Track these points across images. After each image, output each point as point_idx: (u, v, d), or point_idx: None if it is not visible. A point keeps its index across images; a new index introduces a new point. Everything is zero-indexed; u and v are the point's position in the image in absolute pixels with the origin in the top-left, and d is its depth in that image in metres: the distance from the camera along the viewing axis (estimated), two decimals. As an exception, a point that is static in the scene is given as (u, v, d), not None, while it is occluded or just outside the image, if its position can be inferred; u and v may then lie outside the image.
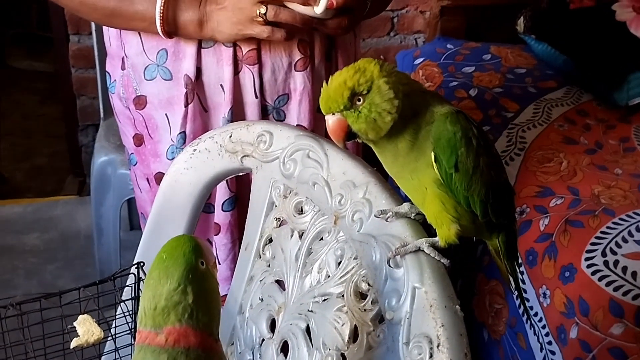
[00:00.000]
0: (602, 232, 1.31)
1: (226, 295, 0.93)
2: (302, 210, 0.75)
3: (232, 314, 0.83)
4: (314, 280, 0.70)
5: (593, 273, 1.23)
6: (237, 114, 0.94)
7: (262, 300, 0.77)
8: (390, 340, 0.57)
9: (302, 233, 0.74)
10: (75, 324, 0.72)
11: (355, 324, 0.63)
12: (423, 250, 0.58)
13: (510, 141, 1.69)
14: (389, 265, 0.59)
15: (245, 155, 0.82)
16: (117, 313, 0.84)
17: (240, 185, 0.97)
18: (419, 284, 0.56)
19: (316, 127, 0.95)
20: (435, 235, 0.59)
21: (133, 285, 0.83)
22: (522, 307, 1.28)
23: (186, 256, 0.49)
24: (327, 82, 0.54)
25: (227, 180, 0.93)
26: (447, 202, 0.55)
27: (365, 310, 0.62)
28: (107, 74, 1.04)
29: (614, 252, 1.25)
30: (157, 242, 0.90)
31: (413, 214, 0.61)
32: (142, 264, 0.83)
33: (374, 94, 0.52)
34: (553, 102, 1.89)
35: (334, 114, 0.54)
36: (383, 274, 0.60)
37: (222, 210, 0.97)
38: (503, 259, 0.60)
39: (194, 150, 0.87)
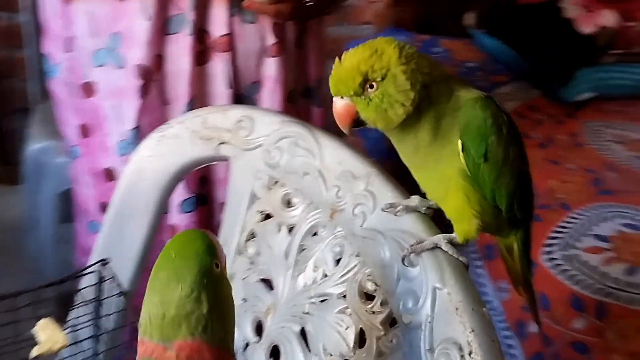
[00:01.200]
0: (560, 227, 1.32)
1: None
2: (290, 203, 0.69)
3: (206, 316, 0.76)
4: (308, 279, 0.64)
5: (553, 267, 1.24)
6: (199, 106, 0.87)
7: (245, 300, 0.70)
8: (408, 345, 0.53)
9: (292, 228, 0.68)
10: (35, 330, 0.63)
11: (361, 328, 0.58)
12: (440, 248, 0.53)
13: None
14: (403, 264, 0.54)
15: (222, 143, 0.75)
16: (71, 317, 0.75)
17: (203, 185, 0.90)
18: (440, 284, 0.51)
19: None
20: (447, 231, 0.54)
21: (96, 285, 0.74)
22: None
23: (200, 256, 0.42)
24: (339, 61, 0.48)
25: (185, 180, 0.86)
26: (472, 195, 0.50)
27: (373, 312, 0.57)
28: (43, 56, 0.94)
29: (573, 247, 1.26)
30: (118, 237, 0.82)
31: (423, 208, 0.57)
32: (107, 261, 0.74)
33: (388, 83, 0.47)
34: (504, 96, 1.90)
35: (342, 97, 0.48)
36: (394, 273, 0.55)
37: (182, 211, 0.89)
38: (518, 258, 0.57)
39: (162, 136, 0.79)
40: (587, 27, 1.87)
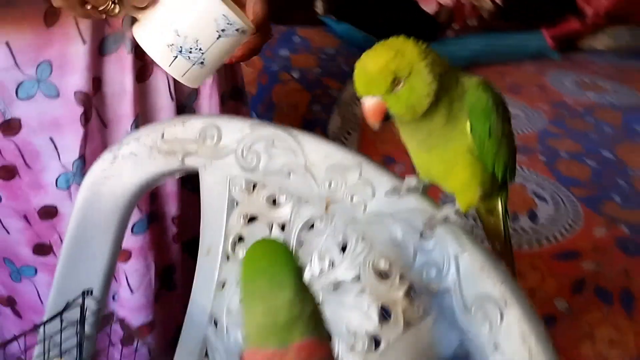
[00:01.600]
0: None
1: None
2: (275, 202, 0.71)
3: (199, 325, 0.76)
4: (315, 270, 0.67)
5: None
6: (145, 123, 0.85)
7: (244, 304, 0.72)
8: (438, 310, 0.59)
9: (284, 225, 0.70)
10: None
11: (381, 305, 0.63)
12: (449, 219, 0.60)
13: (343, 118, 1.78)
14: (422, 239, 0.60)
15: (188, 154, 0.75)
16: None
17: (153, 202, 0.88)
18: (460, 250, 0.58)
19: None
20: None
21: (78, 318, 0.71)
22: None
23: (290, 260, 0.44)
24: (363, 64, 0.52)
25: None
26: (477, 167, 0.57)
27: (393, 287, 0.62)
28: None
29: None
30: (77, 266, 0.79)
31: (420, 187, 0.63)
32: (90, 291, 0.71)
33: (414, 78, 0.52)
34: (366, 77, 2.03)
35: (372, 96, 0.53)
36: (410, 249, 0.61)
37: (132, 233, 0.87)
38: (501, 215, 0.65)
39: (114, 157, 0.77)
40: (429, 6, 2.05)
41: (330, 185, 0.67)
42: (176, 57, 0.68)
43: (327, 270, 0.67)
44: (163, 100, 0.85)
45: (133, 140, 0.77)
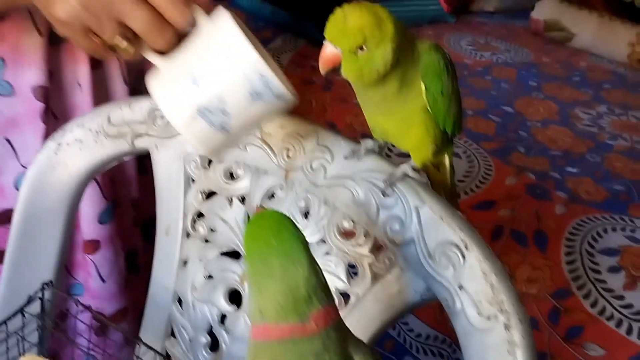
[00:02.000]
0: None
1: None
2: (232, 175, 0.73)
3: (163, 305, 0.77)
4: (280, 237, 0.70)
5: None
6: None
7: (211, 277, 0.73)
8: (402, 260, 0.63)
9: (244, 198, 0.72)
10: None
11: (348, 262, 0.67)
12: (408, 175, 0.64)
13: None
14: (383, 196, 0.64)
15: (137, 136, 0.75)
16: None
17: (116, 190, 0.87)
18: (420, 203, 0.62)
19: None
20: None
21: (39, 313, 0.70)
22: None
23: (296, 233, 0.46)
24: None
25: (101, 189, 0.83)
26: (430, 125, 0.62)
27: (359, 244, 0.66)
28: None
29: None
30: (26, 259, 0.77)
31: (376, 148, 0.67)
32: (50, 283, 0.70)
33: (378, 51, 0.54)
34: (277, 50, 2.04)
35: (335, 46, 0.55)
36: (372, 206, 0.65)
37: (99, 223, 0.85)
38: (448, 169, 0.71)
39: (58, 144, 0.76)
40: (332, -23, 2.08)
41: (287, 154, 0.69)
42: (195, 117, 0.53)
43: (292, 235, 0.69)
44: (117, 86, 0.83)
45: (77, 126, 0.75)
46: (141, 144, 0.75)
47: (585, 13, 2.51)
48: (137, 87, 0.86)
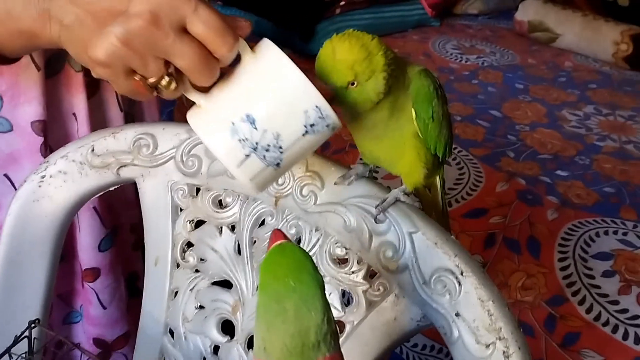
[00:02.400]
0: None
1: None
2: (222, 203, 0.72)
3: (154, 337, 0.75)
4: (272, 266, 0.69)
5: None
6: None
7: (202, 307, 0.72)
8: (397, 287, 0.62)
9: (234, 226, 0.71)
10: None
11: (342, 289, 0.66)
12: (400, 200, 0.63)
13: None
14: (376, 222, 0.63)
15: (122, 166, 0.73)
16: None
17: (116, 217, 0.85)
18: (414, 228, 0.61)
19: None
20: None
21: (26, 353, 0.68)
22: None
23: (315, 276, 0.43)
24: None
25: (100, 218, 0.81)
26: (421, 150, 0.61)
27: (352, 272, 0.65)
28: None
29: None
30: (12, 296, 0.75)
31: (367, 173, 0.66)
32: (37, 321, 0.68)
33: (369, 85, 0.53)
34: (263, 61, 2.02)
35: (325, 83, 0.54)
36: (364, 233, 0.64)
37: (100, 251, 0.84)
38: (439, 190, 0.70)
39: (42, 177, 0.74)
40: (315, -15, 2.08)
41: (277, 181, 0.68)
42: (249, 155, 0.50)
43: (284, 264, 0.68)
44: (113, 112, 0.81)
45: (60, 158, 0.74)
46: (127, 173, 0.73)
47: (569, 13, 2.51)
48: (129, 111, 0.85)
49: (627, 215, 1.51)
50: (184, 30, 0.47)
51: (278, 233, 0.47)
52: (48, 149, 0.78)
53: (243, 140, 0.50)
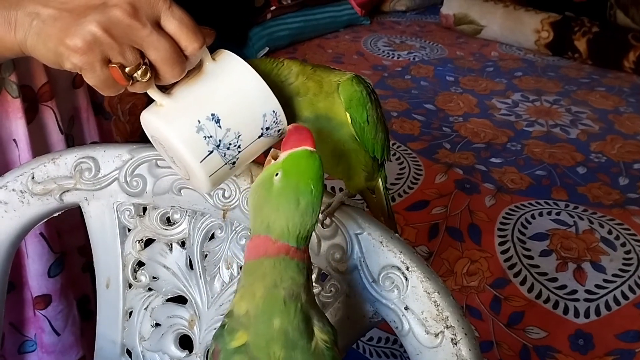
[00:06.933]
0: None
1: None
2: (169, 220, 0.72)
3: (111, 359, 0.75)
4: (225, 277, 0.70)
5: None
6: None
7: (158, 325, 0.72)
8: (347, 287, 0.65)
9: (184, 242, 0.72)
10: None
11: (295, 294, 0.67)
12: (344, 203, 0.65)
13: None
14: (322, 227, 0.65)
15: (65, 191, 0.73)
16: None
17: (64, 241, 0.84)
18: (360, 230, 0.64)
19: (108, 139, 0.88)
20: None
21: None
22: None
23: (323, 190, 0.51)
24: None
25: (48, 243, 0.80)
26: (359, 153, 0.64)
27: (304, 276, 0.67)
28: None
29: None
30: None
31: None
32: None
33: None
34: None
35: None
36: (313, 238, 0.66)
37: (49, 277, 0.82)
38: (382, 192, 0.72)
39: (-20, 209, 0.73)
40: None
41: (223, 194, 0.69)
42: (211, 151, 0.54)
43: (236, 275, 0.70)
44: (54, 137, 0.80)
45: (-1, 188, 0.73)
46: (70, 198, 0.73)
47: (491, 5, 2.61)
48: (69, 133, 0.84)
49: (558, 195, 1.59)
50: (158, 26, 0.50)
51: (308, 135, 0.52)
52: None
53: (208, 137, 0.53)
